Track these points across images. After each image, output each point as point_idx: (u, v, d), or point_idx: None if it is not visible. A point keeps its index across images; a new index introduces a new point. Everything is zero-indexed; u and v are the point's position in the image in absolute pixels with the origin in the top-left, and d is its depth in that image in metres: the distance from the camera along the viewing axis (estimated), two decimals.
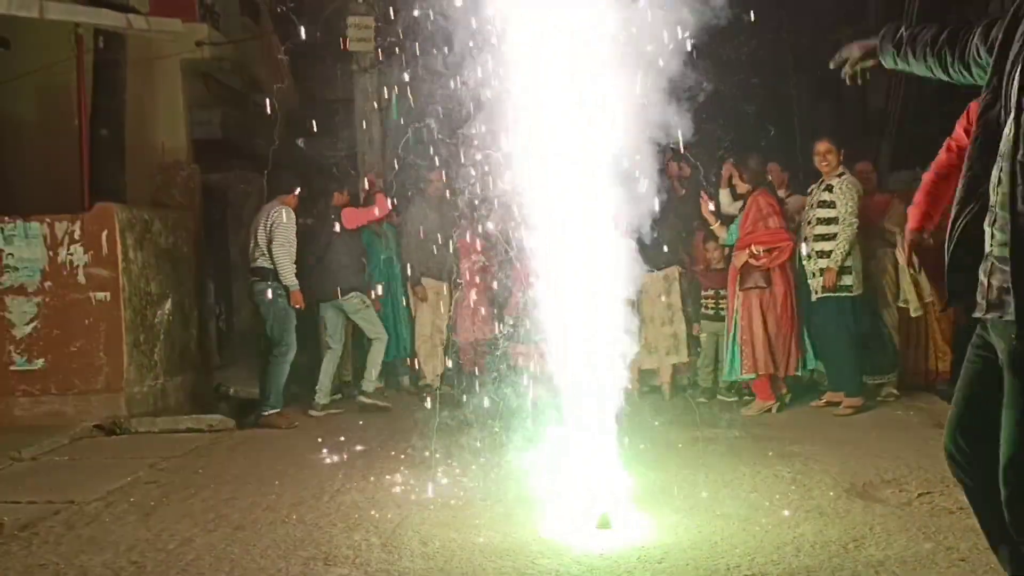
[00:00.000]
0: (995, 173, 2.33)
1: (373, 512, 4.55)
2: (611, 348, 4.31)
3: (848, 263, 6.79)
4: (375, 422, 7.03)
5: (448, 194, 7.81)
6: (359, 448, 6.07)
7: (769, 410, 6.93)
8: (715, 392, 7.55)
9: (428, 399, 7.67)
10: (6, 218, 7.07)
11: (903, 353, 7.36)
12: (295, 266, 7.14)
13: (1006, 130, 2.29)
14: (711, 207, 7.29)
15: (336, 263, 7.47)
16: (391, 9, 7.08)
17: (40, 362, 7.05)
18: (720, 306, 7.32)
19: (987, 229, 2.35)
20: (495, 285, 7.31)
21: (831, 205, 6.78)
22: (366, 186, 8.33)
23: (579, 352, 4.32)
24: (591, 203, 4.26)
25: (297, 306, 7.16)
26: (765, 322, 6.90)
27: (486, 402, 5.95)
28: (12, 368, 7.03)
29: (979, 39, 2.53)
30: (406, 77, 6.96)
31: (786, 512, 4.35)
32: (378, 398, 7.70)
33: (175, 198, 8.52)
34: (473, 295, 7.79)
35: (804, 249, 6.91)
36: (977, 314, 2.42)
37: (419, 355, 8.08)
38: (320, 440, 6.27)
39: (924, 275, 6.76)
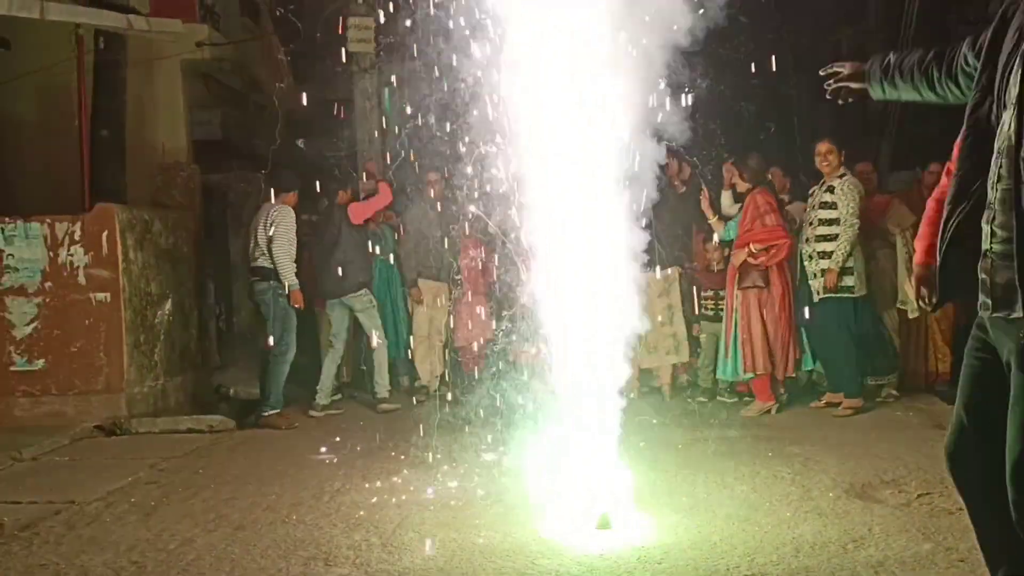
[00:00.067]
0: (993, 169, 2.32)
1: (373, 512, 4.56)
2: (611, 348, 4.32)
3: (850, 264, 6.78)
4: (375, 422, 7.03)
5: (445, 194, 7.80)
6: (359, 448, 6.08)
7: (769, 411, 6.93)
8: (715, 393, 7.56)
9: (424, 400, 7.70)
10: (6, 219, 7.07)
11: (903, 354, 7.37)
12: (295, 265, 7.15)
13: (1004, 126, 2.28)
14: (710, 200, 7.30)
15: (344, 261, 7.49)
16: (388, 6, 7.06)
17: (40, 363, 7.05)
18: (720, 307, 7.32)
19: (985, 227, 2.34)
20: (495, 278, 7.27)
21: (832, 206, 6.78)
22: (364, 178, 8.34)
23: (579, 352, 4.33)
24: (590, 202, 4.27)
25: (297, 306, 7.16)
26: (764, 321, 6.91)
27: (486, 402, 5.96)
28: (12, 368, 7.03)
29: (966, 48, 2.58)
30: (396, 77, 6.97)
31: (786, 512, 4.35)
32: (392, 401, 7.70)
33: (175, 198, 8.52)
34: (471, 296, 7.79)
35: (806, 250, 6.90)
36: (984, 313, 2.40)
37: (415, 356, 8.08)
38: (320, 440, 6.29)
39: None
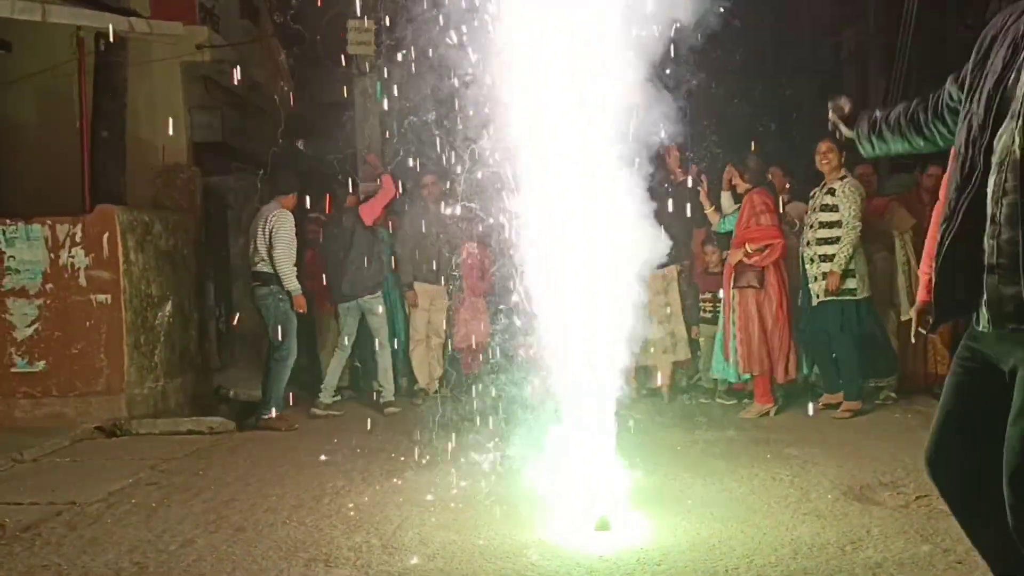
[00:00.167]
0: (995, 185, 2.29)
1: (374, 513, 4.57)
2: (611, 348, 4.33)
3: (851, 266, 6.77)
4: (375, 424, 7.04)
5: (445, 194, 7.80)
6: (359, 450, 6.09)
7: (767, 412, 6.94)
8: (714, 394, 7.57)
9: (422, 402, 7.72)
10: (7, 220, 7.08)
11: (902, 356, 7.37)
12: (296, 268, 7.16)
13: (1006, 139, 2.26)
14: (708, 191, 7.31)
15: (359, 263, 7.51)
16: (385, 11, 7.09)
17: (41, 364, 7.06)
18: (718, 309, 7.33)
19: (990, 242, 2.30)
20: (492, 277, 7.27)
21: (833, 208, 6.76)
22: (367, 170, 8.33)
23: (578, 352, 4.34)
24: (588, 199, 4.28)
25: (301, 311, 7.17)
26: (761, 321, 6.91)
27: (485, 404, 5.97)
28: (13, 370, 7.04)
29: (949, 84, 2.62)
30: (394, 77, 6.98)
31: (784, 514, 4.37)
32: (393, 403, 7.72)
33: (176, 200, 8.54)
34: (469, 296, 7.80)
35: (807, 253, 6.90)
36: (985, 327, 2.36)
37: (412, 359, 8.09)
38: (320, 442, 6.29)
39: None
